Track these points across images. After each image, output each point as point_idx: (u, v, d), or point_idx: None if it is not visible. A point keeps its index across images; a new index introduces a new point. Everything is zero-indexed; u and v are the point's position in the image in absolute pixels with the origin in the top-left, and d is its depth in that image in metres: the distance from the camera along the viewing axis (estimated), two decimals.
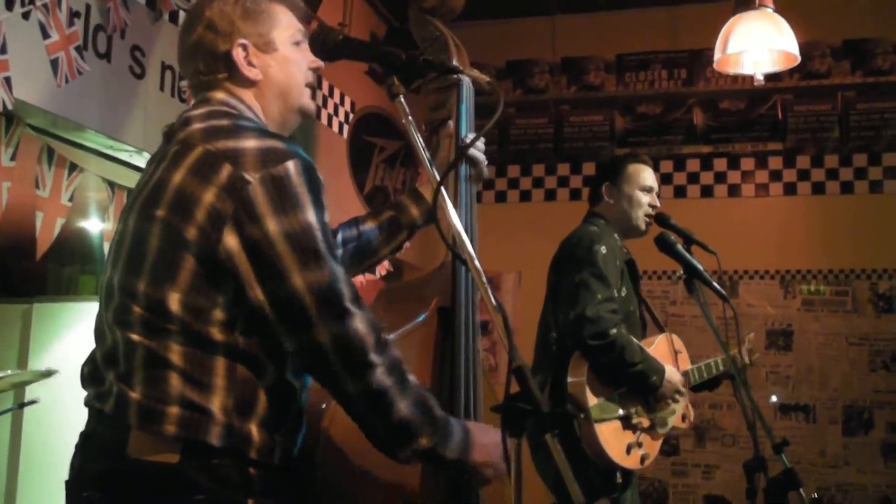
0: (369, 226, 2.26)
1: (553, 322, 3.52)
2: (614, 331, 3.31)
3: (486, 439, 1.81)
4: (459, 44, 2.36)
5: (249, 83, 1.88)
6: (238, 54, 1.85)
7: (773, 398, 5.83)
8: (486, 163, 2.29)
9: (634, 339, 3.43)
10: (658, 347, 3.63)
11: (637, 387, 3.43)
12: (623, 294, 3.52)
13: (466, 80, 2.31)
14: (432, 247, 5.24)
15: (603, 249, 3.46)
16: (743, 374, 2.70)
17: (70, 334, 6.04)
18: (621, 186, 3.68)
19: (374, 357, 1.65)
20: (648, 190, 3.69)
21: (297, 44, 1.94)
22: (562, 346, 3.43)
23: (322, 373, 1.68)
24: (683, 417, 3.67)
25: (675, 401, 3.52)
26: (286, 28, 1.93)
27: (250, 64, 1.86)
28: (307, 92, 1.96)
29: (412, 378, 1.72)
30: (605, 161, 3.93)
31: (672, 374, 3.49)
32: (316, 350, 1.64)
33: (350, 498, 1.89)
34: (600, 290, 3.38)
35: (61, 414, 5.46)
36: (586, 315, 3.32)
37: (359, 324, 1.65)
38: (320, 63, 1.98)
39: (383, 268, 5.02)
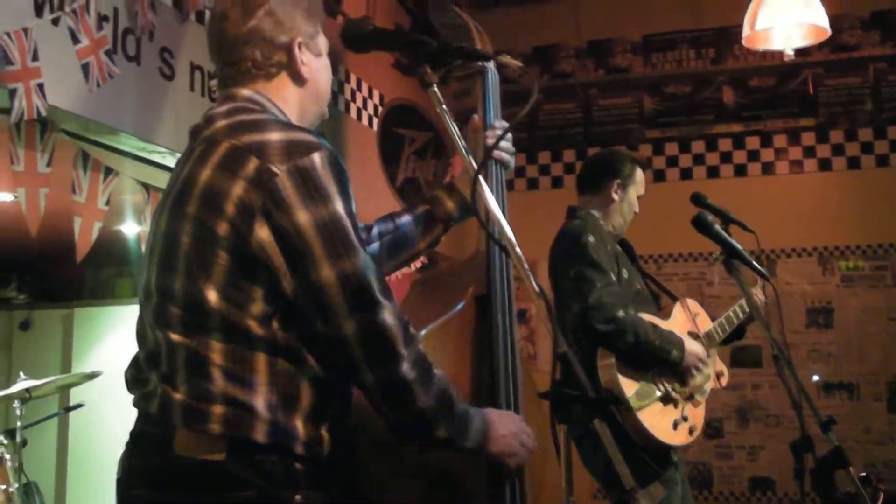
0: (405, 219, 2.26)
1: (568, 322, 3.51)
2: (621, 313, 3.31)
3: (506, 430, 1.83)
4: (482, 30, 2.34)
5: (300, 81, 1.89)
6: (296, 50, 1.86)
7: (815, 377, 5.78)
8: (513, 155, 2.29)
9: (645, 317, 3.42)
10: (676, 316, 3.62)
11: (662, 363, 3.41)
12: (625, 276, 3.51)
13: (492, 68, 2.29)
14: (467, 237, 5.23)
15: (591, 239, 3.46)
16: (785, 344, 2.66)
17: (110, 337, 6.12)
18: (629, 189, 3.70)
19: (401, 350, 1.66)
20: (639, 197, 3.75)
21: (327, 55, 1.98)
22: (582, 345, 3.42)
23: (347, 364, 1.68)
24: (718, 376, 3.65)
25: (700, 371, 3.50)
26: (323, 37, 1.96)
27: (302, 62, 1.87)
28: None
29: (437, 372, 1.73)
30: (611, 157, 3.87)
31: (691, 344, 3.47)
32: (341, 340, 1.64)
33: (396, 487, 1.89)
34: (597, 278, 3.37)
35: (105, 416, 5.54)
36: (589, 304, 3.32)
37: (388, 315, 1.65)
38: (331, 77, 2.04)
39: (419, 260, 5.01)
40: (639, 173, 3.74)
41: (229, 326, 1.64)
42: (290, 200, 1.62)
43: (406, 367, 1.66)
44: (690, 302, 3.75)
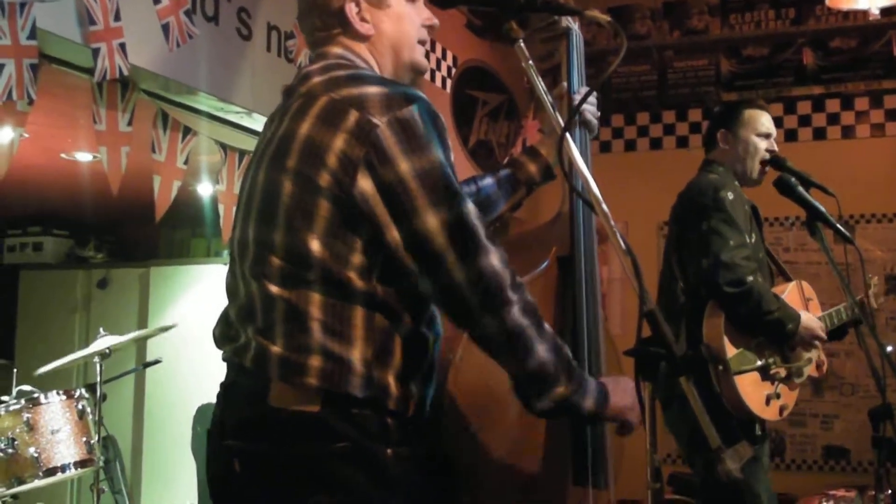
0: (488, 182, 2.25)
1: (680, 272, 3.43)
2: (751, 278, 3.21)
3: (619, 386, 1.81)
4: None
5: (362, 38, 1.89)
6: (350, 10, 1.86)
7: (890, 348, 5.63)
8: (598, 117, 2.27)
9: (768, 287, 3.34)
10: (790, 295, 3.50)
11: (773, 335, 3.33)
12: (752, 240, 3.41)
13: (576, 29, 2.28)
14: (539, 200, 5.20)
15: (730, 195, 3.34)
16: (871, 319, 2.61)
17: (184, 296, 6.22)
18: (737, 132, 3.54)
19: (510, 294, 1.65)
20: (766, 136, 3.55)
21: (412, 1, 1.95)
22: (693, 297, 3.35)
23: (459, 312, 1.68)
24: (818, 365, 3.56)
25: (814, 346, 3.42)
26: None
27: (363, 19, 1.87)
28: (419, 48, 1.97)
29: (546, 325, 1.71)
30: (720, 106, 3.78)
31: (809, 320, 3.36)
32: (453, 288, 1.64)
33: (474, 451, 1.90)
34: (732, 235, 3.27)
35: (179, 372, 5.66)
36: (721, 261, 3.22)
37: (494, 259, 1.65)
38: (435, 21, 1.98)
39: None
40: (746, 113, 3.60)
41: (330, 278, 1.65)
42: (391, 151, 1.63)
43: (517, 312, 1.65)
44: (806, 285, 3.63)
